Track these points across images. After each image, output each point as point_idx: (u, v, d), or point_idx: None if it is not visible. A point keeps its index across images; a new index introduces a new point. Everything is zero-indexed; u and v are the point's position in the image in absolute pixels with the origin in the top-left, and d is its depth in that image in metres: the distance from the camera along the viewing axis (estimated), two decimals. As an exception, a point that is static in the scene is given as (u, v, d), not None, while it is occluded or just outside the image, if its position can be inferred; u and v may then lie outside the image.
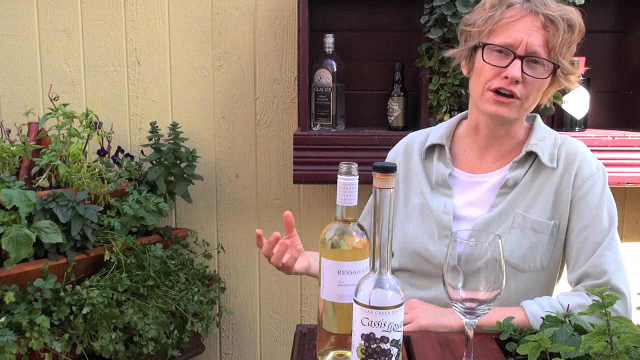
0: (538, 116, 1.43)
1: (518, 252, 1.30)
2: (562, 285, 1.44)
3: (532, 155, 1.35)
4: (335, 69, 1.98)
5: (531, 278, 1.33)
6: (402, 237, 1.41)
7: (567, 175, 1.32)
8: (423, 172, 1.43)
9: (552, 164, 1.33)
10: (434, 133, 1.45)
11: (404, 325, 1.20)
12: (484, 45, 1.28)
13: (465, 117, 1.46)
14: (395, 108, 2.05)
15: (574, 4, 1.79)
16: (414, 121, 2.06)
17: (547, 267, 1.33)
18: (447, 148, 1.41)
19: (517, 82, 1.25)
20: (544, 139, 1.36)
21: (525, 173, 1.35)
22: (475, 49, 1.32)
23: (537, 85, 1.28)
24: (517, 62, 1.25)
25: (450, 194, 1.38)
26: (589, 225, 1.29)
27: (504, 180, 1.35)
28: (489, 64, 1.27)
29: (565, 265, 1.36)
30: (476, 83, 1.32)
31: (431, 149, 1.44)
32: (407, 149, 1.49)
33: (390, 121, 2.07)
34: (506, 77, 1.25)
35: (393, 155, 1.53)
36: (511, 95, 1.27)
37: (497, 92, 1.28)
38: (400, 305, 0.89)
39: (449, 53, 1.42)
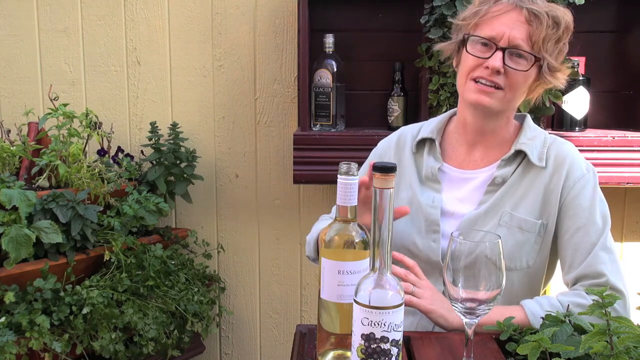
0: (528, 116, 1.44)
1: (504, 250, 1.30)
2: (555, 286, 1.44)
3: (520, 154, 1.36)
4: (335, 69, 1.98)
5: (517, 276, 1.34)
6: None
7: (556, 176, 1.33)
8: (414, 166, 1.44)
9: (540, 163, 1.33)
10: (426, 127, 1.47)
11: (408, 295, 1.21)
12: (469, 37, 1.31)
13: (455, 114, 1.47)
14: (395, 108, 2.05)
15: (573, 4, 1.79)
16: (414, 121, 2.04)
17: (532, 265, 1.34)
18: (437, 142, 1.42)
19: (498, 72, 1.27)
20: (534, 138, 1.37)
21: (514, 171, 1.35)
22: (462, 42, 1.34)
23: (519, 78, 1.29)
24: (498, 54, 1.27)
25: (439, 189, 1.39)
26: (584, 226, 1.29)
27: (492, 178, 1.35)
28: (472, 55, 1.30)
29: (560, 267, 1.36)
30: (460, 75, 1.35)
31: (422, 143, 1.45)
32: (399, 142, 1.49)
33: (390, 121, 2.07)
34: (487, 68, 1.27)
35: (384, 147, 1.52)
36: (493, 86, 1.28)
37: (479, 81, 1.29)
38: (400, 305, 0.89)
39: (438, 46, 1.45)
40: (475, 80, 1.30)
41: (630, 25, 2.09)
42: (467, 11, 1.35)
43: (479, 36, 1.29)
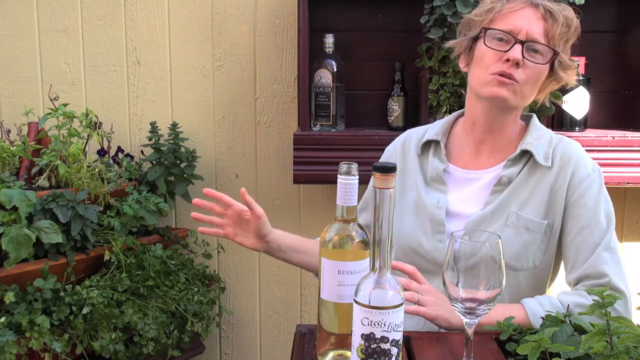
0: (534, 115, 1.44)
1: (511, 250, 1.31)
2: (557, 286, 1.44)
3: (527, 154, 1.36)
4: (335, 69, 1.98)
5: (523, 277, 1.33)
6: (397, 233, 1.41)
7: (562, 175, 1.32)
8: (419, 168, 1.44)
9: (546, 163, 1.33)
10: (431, 129, 1.47)
11: (413, 303, 1.20)
12: (487, 30, 1.30)
13: (461, 115, 1.47)
14: (395, 108, 2.05)
15: (573, 4, 1.79)
16: (414, 121, 2.06)
17: (539, 266, 1.33)
18: (442, 144, 1.42)
19: (518, 65, 1.27)
20: (540, 137, 1.37)
21: (520, 171, 1.35)
22: (476, 39, 1.34)
23: (536, 72, 1.29)
24: (518, 46, 1.27)
25: (444, 190, 1.39)
26: (587, 226, 1.29)
27: (498, 178, 1.35)
28: (490, 48, 1.29)
29: (563, 266, 1.36)
30: (477, 71, 1.33)
31: (427, 145, 1.45)
32: (404, 145, 1.50)
33: (390, 121, 2.07)
34: (507, 60, 1.27)
35: (391, 151, 1.53)
36: (511, 78, 1.28)
37: (497, 74, 1.29)
38: (401, 305, 0.89)
39: (449, 43, 1.44)
40: (493, 74, 1.29)
41: (630, 25, 2.09)
42: (479, 9, 1.35)
43: (498, 29, 1.29)
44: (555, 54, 1.29)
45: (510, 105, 1.32)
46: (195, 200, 1.39)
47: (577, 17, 1.33)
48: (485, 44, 1.30)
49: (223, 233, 1.43)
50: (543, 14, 1.28)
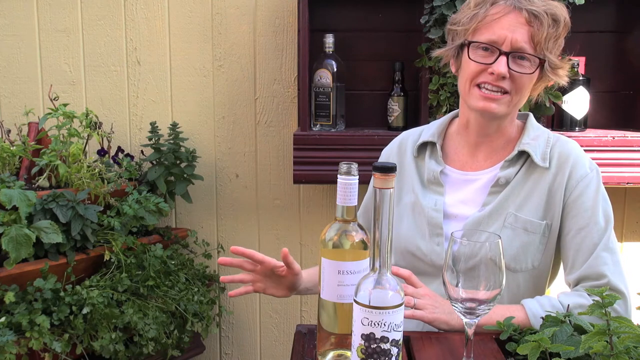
0: (531, 115, 1.42)
1: (509, 251, 1.30)
2: (556, 286, 1.44)
3: (524, 155, 1.35)
4: (335, 69, 1.98)
5: (522, 278, 1.33)
6: (395, 236, 1.40)
7: (560, 175, 1.32)
8: (415, 170, 1.43)
9: (544, 163, 1.32)
10: (427, 131, 1.46)
11: (411, 309, 1.20)
12: (470, 43, 1.29)
13: (457, 115, 1.46)
14: (395, 108, 2.05)
15: (573, 4, 1.79)
16: (414, 121, 2.06)
17: (538, 266, 1.33)
18: (438, 146, 1.41)
19: (503, 78, 1.26)
20: (537, 137, 1.36)
21: (517, 172, 1.34)
22: (461, 47, 1.32)
23: (524, 81, 1.28)
24: (503, 59, 1.25)
25: (441, 192, 1.38)
26: (586, 226, 1.29)
27: (495, 179, 1.34)
28: (474, 61, 1.28)
29: (562, 266, 1.36)
30: (463, 80, 1.33)
31: (423, 147, 1.44)
32: (400, 147, 1.49)
33: (390, 121, 2.07)
34: (492, 73, 1.26)
35: (387, 153, 1.53)
36: (499, 92, 1.27)
37: (484, 87, 1.28)
38: (401, 305, 0.89)
39: (435, 53, 1.43)
40: (479, 86, 1.29)
41: (630, 25, 2.09)
42: (462, 15, 1.32)
43: (480, 42, 1.27)
44: (542, 61, 1.27)
45: (501, 115, 1.31)
46: (221, 260, 1.35)
47: (565, 7, 1.30)
48: (469, 57, 1.29)
49: (253, 289, 1.39)
50: (527, 18, 1.25)
